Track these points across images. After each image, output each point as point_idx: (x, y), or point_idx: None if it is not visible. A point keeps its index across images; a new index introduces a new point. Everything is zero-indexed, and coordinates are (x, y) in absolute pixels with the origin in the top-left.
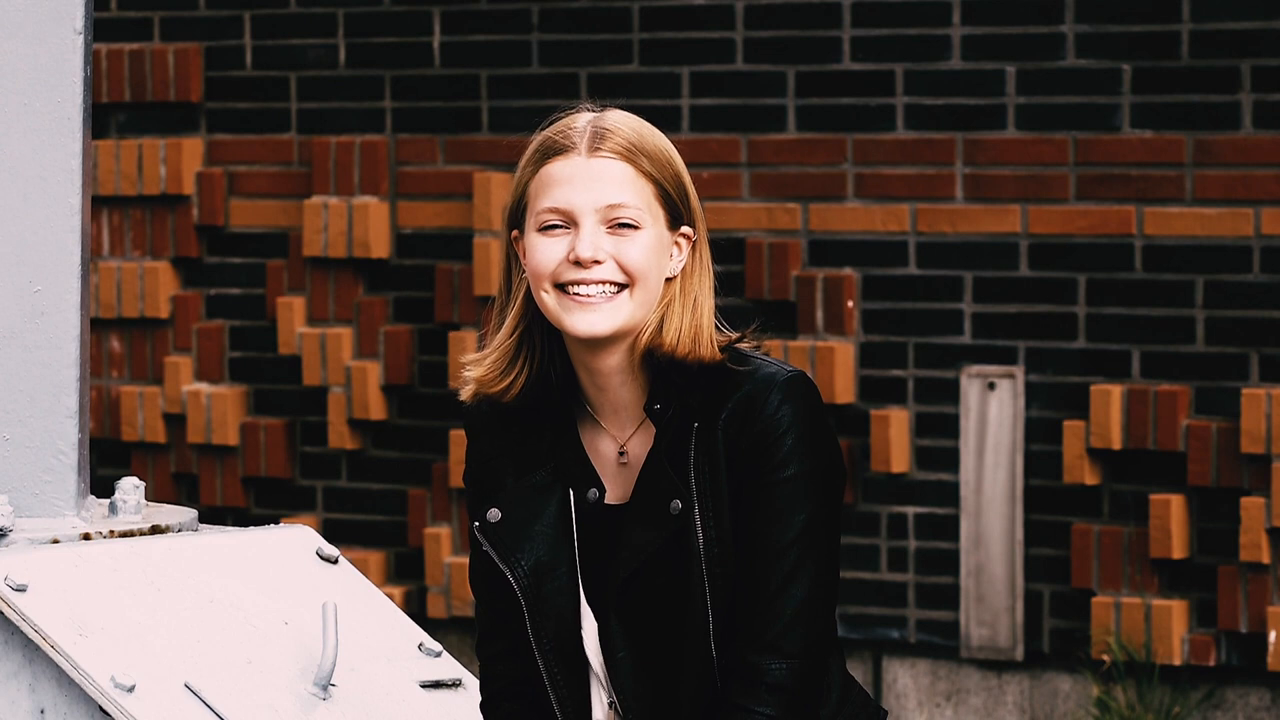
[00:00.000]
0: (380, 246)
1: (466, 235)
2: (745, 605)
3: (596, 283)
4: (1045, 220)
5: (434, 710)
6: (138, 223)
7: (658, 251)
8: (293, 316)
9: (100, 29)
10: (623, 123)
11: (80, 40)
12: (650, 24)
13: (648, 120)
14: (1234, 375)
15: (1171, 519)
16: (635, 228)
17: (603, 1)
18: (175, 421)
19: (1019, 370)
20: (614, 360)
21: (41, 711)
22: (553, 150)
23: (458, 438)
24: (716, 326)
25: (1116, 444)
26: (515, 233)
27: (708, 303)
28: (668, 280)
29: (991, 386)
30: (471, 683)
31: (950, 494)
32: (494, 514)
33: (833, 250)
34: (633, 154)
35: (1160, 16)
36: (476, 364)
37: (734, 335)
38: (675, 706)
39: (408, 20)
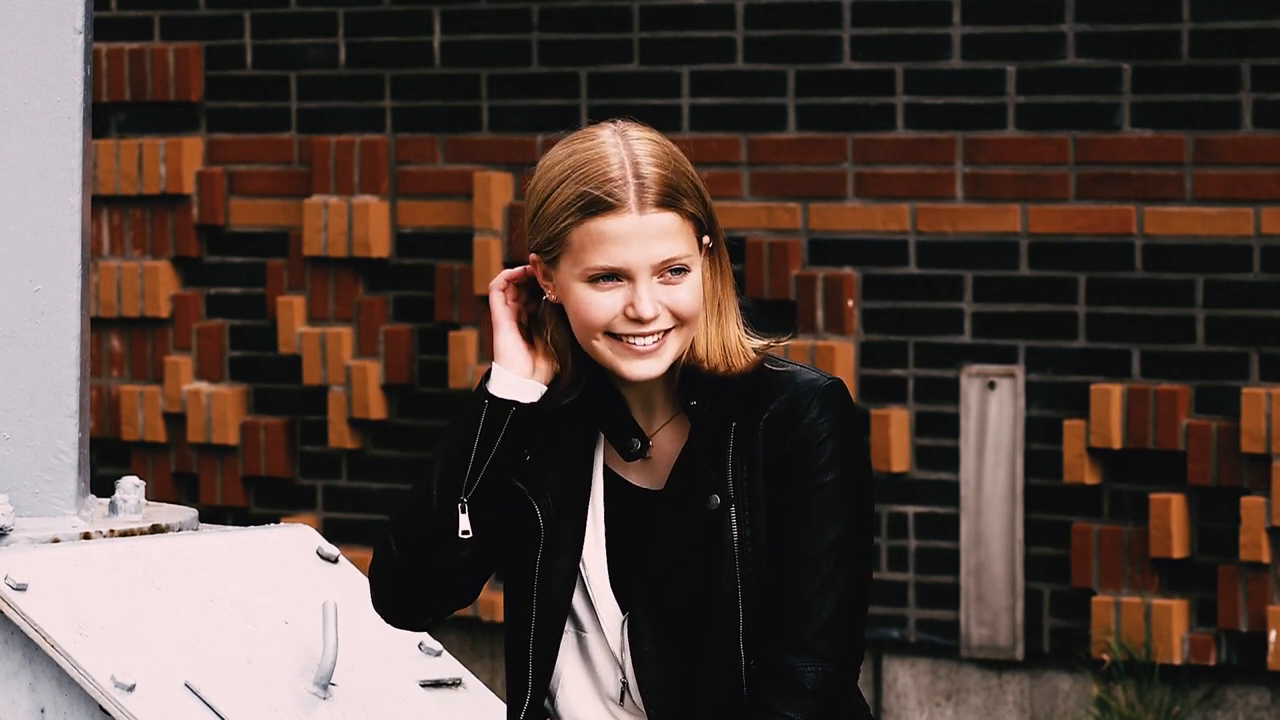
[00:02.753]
0: (380, 246)
1: (466, 235)
2: (780, 609)
3: (652, 334)
4: (1045, 220)
5: (434, 709)
6: (138, 222)
7: (703, 283)
8: (293, 316)
9: (100, 28)
10: (656, 161)
11: (80, 39)
12: (650, 23)
13: (650, 123)
14: (1234, 375)
15: (1172, 518)
16: (685, 271)
17: (603, 1)
18: (175, 421)
19: (1019, 370)
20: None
21: (42, 711)
22: (599, 205)
23: None
24: (745, 327)
25: (1117, 443)
26: (536, 256)
27: (732, 309)
28: None
29: (992, 386)
30: (472, 682)
31: (950, 493)
32: (535, 463)
33: (833, 250)
34: (675, 199)
35: (1160, 16)
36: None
37: (766, 341)
38: (694, 704)
39: (408, 20)
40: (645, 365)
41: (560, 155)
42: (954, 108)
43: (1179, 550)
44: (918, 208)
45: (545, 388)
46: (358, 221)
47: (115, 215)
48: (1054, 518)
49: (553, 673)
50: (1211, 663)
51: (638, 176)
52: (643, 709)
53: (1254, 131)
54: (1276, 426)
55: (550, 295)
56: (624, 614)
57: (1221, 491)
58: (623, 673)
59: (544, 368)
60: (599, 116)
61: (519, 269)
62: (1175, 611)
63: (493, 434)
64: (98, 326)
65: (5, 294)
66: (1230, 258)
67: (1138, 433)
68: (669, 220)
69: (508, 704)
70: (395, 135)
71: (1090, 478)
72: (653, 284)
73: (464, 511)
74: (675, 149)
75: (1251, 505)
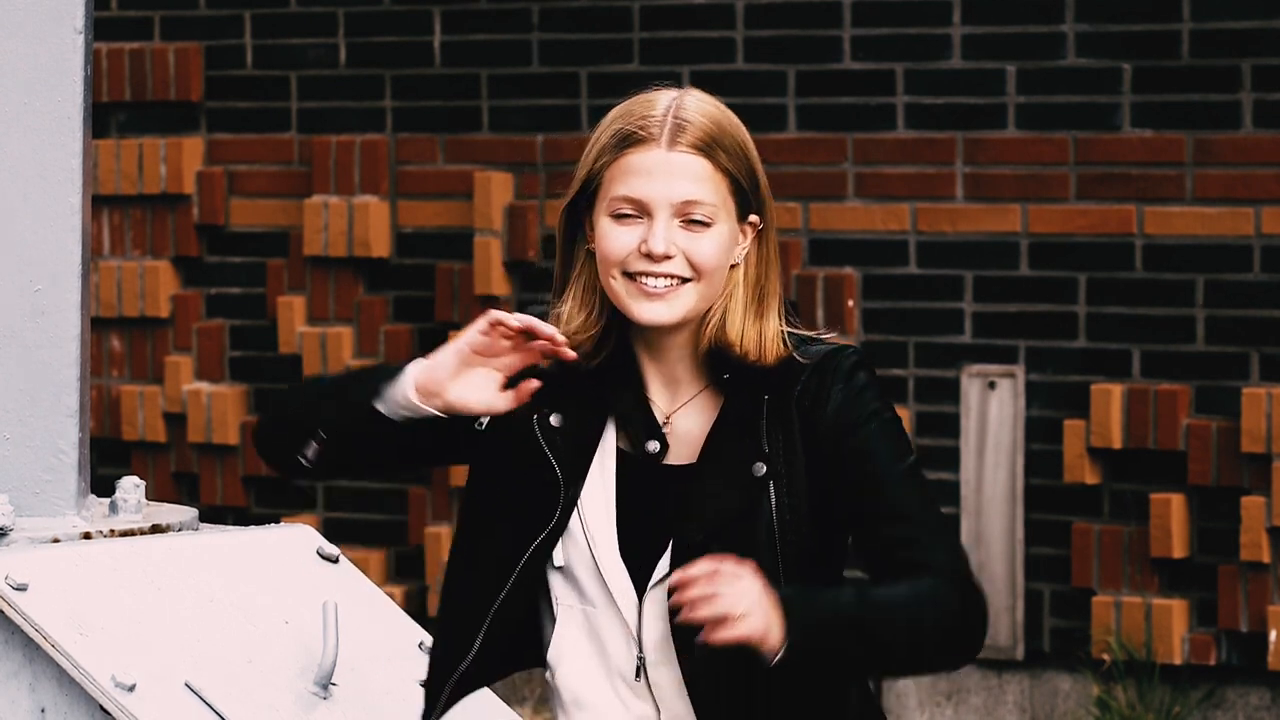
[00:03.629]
0: (380, 246)
1: (467, 234)
2: (882, 543)
3: (664, 275)
4: (1045, 219)
5: None
6: (138, 222)
7: (727, 246)
8: (293, 316)
9: (100, 28)
10: (702, 113)
11: (80, 39)
12: (650, 23)
13: None
14: (1234, 374)
15: (1172, 518)
16: (707, 224)
17: (603, 1)
18: (175, 421)
19: (1019, 369)
20: (678, 339)
21: (42, 710)
22: (632, 139)
23: None
24: (786, 316)
25: (1117, 443)
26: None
27: (775, 302)
28: (731, 267)
29: (992, 386)
30: None
31: (951, 493)
32: (556, 418)
33: (833, 249)
34: (711, 148)
35: (1160, 16)
36: (558, 325)
37: (803, 330)
38: (740, 677)
39: (408, 20)
40: (654, 308)
41: (616, 108)
42: (954, 108)
43: (1179, 550)
44: (918, 208)
45: (413, 416)
46: (358, 221)
47: (115, 215)
48: (1054, 518)
49: (498, 639)
50: (1211, 663)
51: (676, 118)
52: (661, 685)
53: (1254, 131)
54: (1277, 426)
55: (590, 243)
56: (637, 590)
57: (1222, 491)
58: (640, 648)
59: (465, 399)
60: (599, 116)
61: (528, 320)
62: (1175, 611)
63: (361, 402)
64: (98, 326)
65: (5, 294)
66: (1230, 258)
67: (1138, 433)
68: (698, 164)
69: (437, 657)
70: (395, 135)
71: (1090, 478)
72: (672, 224)
73: (317, 442)
74: (736, 121)
75: (1252, 505)
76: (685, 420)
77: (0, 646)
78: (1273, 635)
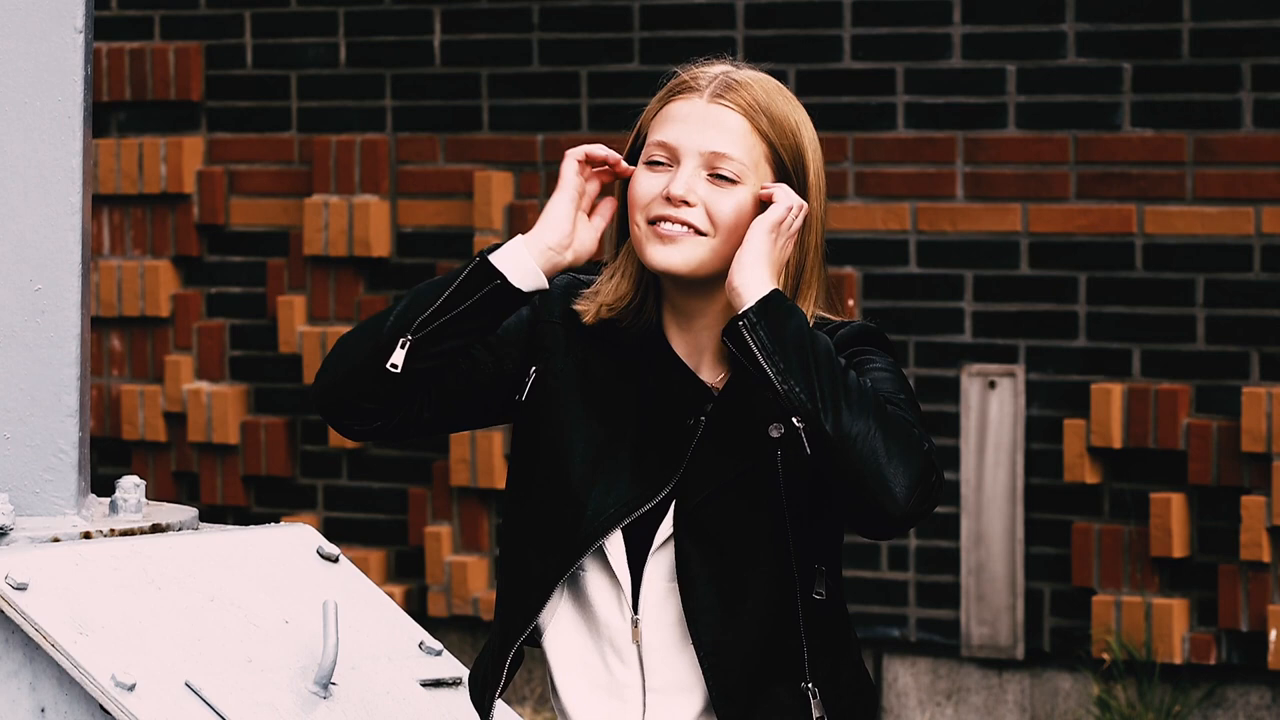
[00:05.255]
0: (381, 245)
1: (467, 234)
2: None
3: (681, 222)
4: (1046, 219)
5: (434, 709)
6: (138, 221)
7: (750, 208)
8: (293, 315)
9: (101, 28)
10: (756, 82)
11: (81, 39)
12: (651, 23)
13: None
14: (1234, 374)
15: (1172, 518)
16: (734, 182)
17: (603, 1)
18: (176, 420)
19: (1019, 369)
20: (709, 307)
21: (42, 710)
22: (678, 90)
23: (458, 436)
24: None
25: (1117, 443)
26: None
27: (813, 292)
28: None
29: (992, 385)
30: None
31: (951, 492)
32: (584, 385)
33: (833, 249)
34: (754, 111)
35: (1160, 15)
36: (602, 288)
37: (832, 316)
38: (740, 639)
39: (408, 19)
40: (665, 252)
41: (686, 67)
42: (954, 107)
43: (1179, 550)
44: (918, 207)
45: (547, 284)
46: (358, 221)
47: (116, 215)
48: (1054, 517)
49: (545, 606)
50: (1212, 662)
51: (729, 77)
52: (653, 649)
53: (1254, 131)
54: (1277, 426)
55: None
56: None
57: (1222, 491)
58: (635, 610)
59: (584, 242)
60: (599, 116)
61: (603, 149)
62: (1175, 611)
63: (467, 293)
64: (98, 326)
65: (5, 294)
66: (1230, 257)
67: (1138, 432)
68: (735, 120)
69: (501, 633)
70: (396, 135)
71: (1091, 477)
72: (698, 173)
73: (402, 348)
74: (798, 106)
75: (1252, 504)
76: (710, 378)
77: (0, 646)
78: (1273, 635)
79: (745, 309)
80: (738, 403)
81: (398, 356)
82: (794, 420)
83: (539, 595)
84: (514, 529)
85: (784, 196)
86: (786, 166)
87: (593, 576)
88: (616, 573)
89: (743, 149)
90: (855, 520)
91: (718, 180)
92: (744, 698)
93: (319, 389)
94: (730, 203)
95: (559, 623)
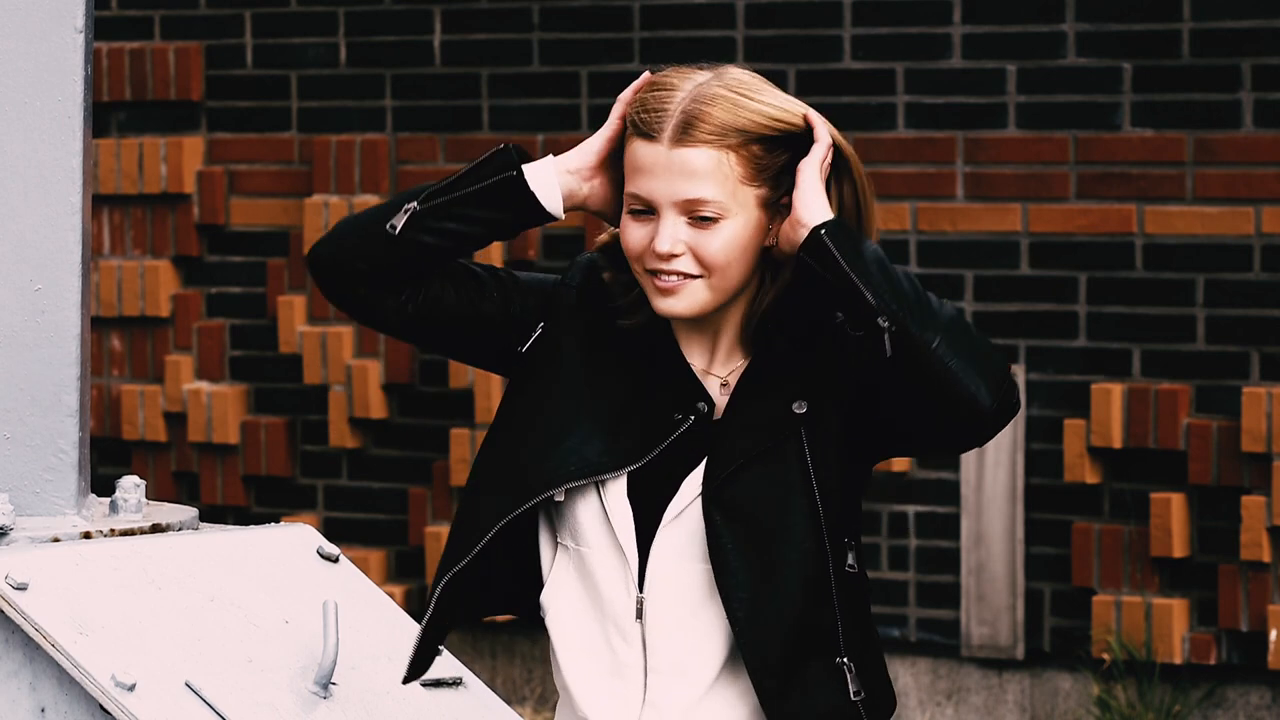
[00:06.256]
0: None
1: None
2: None
3: (673, 273)
4: (1046, 219)
5: (435, 709)
6: (138, 221)
7: (739, 239)
8: (293, 315)
9: (101, 28)
10: (723, 95)
11: (81, 39)
12: (651, 22)
13: None
14: (1235, 374)
15: (1172, 518)
16: (715, 219)
17: (603, 1)
18: (176, 420)
19: (1020, 369)
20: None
21: (42, 710)
22: (641, 129)
23: (458, 436)
24: None
25: (1117, 443)
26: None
27: (874, 224)
28: (767, 248)
29: None
30: (473, 682)
31: (951, 492)
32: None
33: None
34: (722, 134)
35: (1160, 15)
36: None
37: None
38: (777, 616)
39: (408, 19)
40: (668, 303)
41: (660, 77)
42: (954, 107)
43: (1179, 550)
44: (918, 207)
45: (563, 213)
46: None
47: (116, 215)
48: (1054, 517)
49: (477, 548)
50: (1212, 662)
51: (684, 112)
52: (658, 628)
53: (1254, 131)
54: (1277, 426)
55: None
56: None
57: (1222, 491)
58: (640, 589)
59: (597, 191)
60: (599, 116)
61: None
62: (1176, 611)
63: (482, 175)
64: (98, 326)
65: (5, 293)
66: (1230, 257)
67: (1138, 432)
68: (702, 159)
69: (437, 573)
70: (396, 135)
71: (1091, 477)
72: (678, 222)
73: (405, 214)
74: (767, 87)
75: (1252, 504)
76: (721, 372)
77: (0, 646)
78: (1273, 635)
79: (822, 222)
80: (762, 382)
81: (398, 219)
82: (879, 321)
83: (475, 537)
84: (476, 471)
85: (823, 134)
86: (781, 138)
87: (598, 553)
88: (624, 549)
89: (716, 185)
90: (941, 429)
91: (700, 223)
92: (781, 672)
93: (317, 242)
94: (716, 242)
95: (562, 599)
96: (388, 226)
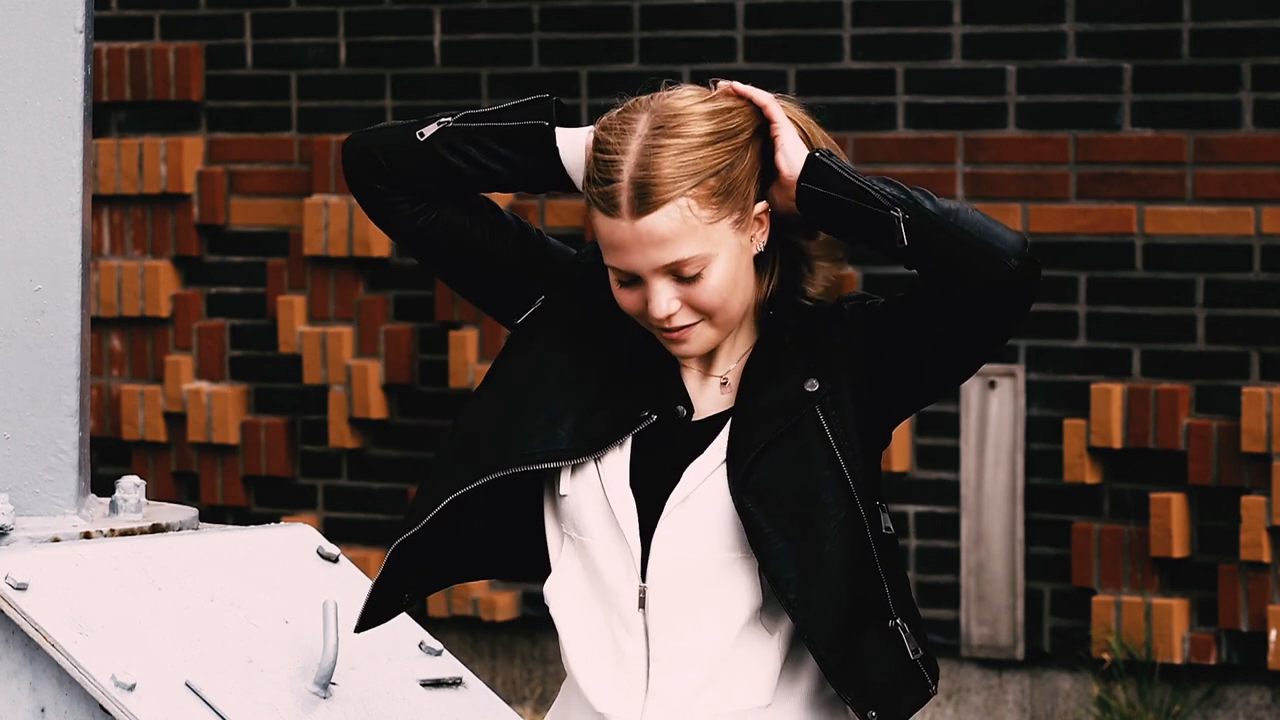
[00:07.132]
0: (381, 245)
1: None
2: None
3: (678, 327)
4: (1046, 219)
5: (435, 709)
6: (138, 221)
7: (732, 272)
8: (293, 315)
9: (101, 28)
10: (664, 151)
11: (81, 39)
12: (651, 22)
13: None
14: (1235, 374)
15: (1172, 518)
16: (700, 271)
17: (603, 1)
18: (176, 420)
19: (1019, 369)
20: None
21: (42, 710)
22: (601, 205)
23: None
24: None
25: (1117, 443)
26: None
27: (822, 268)
28: (759, 256)
29: (992, 385)
30: (473, 682)
31: (951, 492)
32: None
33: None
34: (676, 183)
35: (1160, 15)
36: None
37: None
38: (827, 589)
39: (408, 19)
40: (681, 349)
41: (598, 131)
42: (954, 107)
43: (1179, 550)
44: None
45: (580, 185)
46: (358, 221)
47: (116, 215)
48: (1054, 517)
49: (429, 516)
50: (1212, 662)
51: (634, 182)
52: (661, 617)
53: (1254, 131)
54: (1277, 426)
55: None
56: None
57: (1222, 491)
58: (643, 578)
59: None
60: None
61: (753, 90)
62: (1175, 611)
63: (517, 115)
64: (98, 326)
65: (5, 294)
66: (1230, 257)
67: (1138, 432)
68: (667, 221)
69: (407, 516)
70: None
71: (1090, 477)
72: (666, 284)
73: (437, 125)
74: (703, 122)
75: (1252, 505)
76: (726, 365)
77: (0, 646)
78: (1273, 635)
79: (812, 150)
80: (770, 366)
81: (429, 129)
82: (893, 211)
83: (431, 503)
84: (456, 426)
85: (759, 96)
86: (733, 193)
87: (600, 543)
88: (628, 539)
89: (689, 241)
90: (972, 295)
91: (686, 281)
92: (843, 646)
93: (359, 130)
94: (707, 289)
95: (566, 589)
96: (418, 132)
